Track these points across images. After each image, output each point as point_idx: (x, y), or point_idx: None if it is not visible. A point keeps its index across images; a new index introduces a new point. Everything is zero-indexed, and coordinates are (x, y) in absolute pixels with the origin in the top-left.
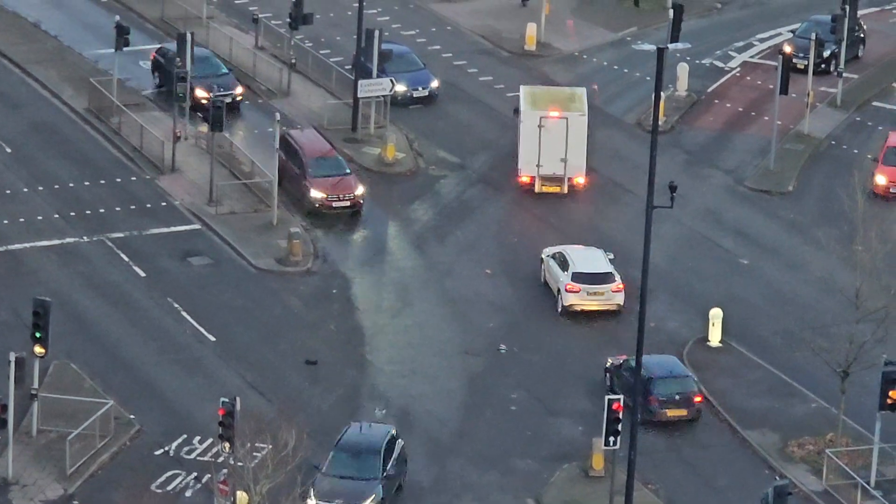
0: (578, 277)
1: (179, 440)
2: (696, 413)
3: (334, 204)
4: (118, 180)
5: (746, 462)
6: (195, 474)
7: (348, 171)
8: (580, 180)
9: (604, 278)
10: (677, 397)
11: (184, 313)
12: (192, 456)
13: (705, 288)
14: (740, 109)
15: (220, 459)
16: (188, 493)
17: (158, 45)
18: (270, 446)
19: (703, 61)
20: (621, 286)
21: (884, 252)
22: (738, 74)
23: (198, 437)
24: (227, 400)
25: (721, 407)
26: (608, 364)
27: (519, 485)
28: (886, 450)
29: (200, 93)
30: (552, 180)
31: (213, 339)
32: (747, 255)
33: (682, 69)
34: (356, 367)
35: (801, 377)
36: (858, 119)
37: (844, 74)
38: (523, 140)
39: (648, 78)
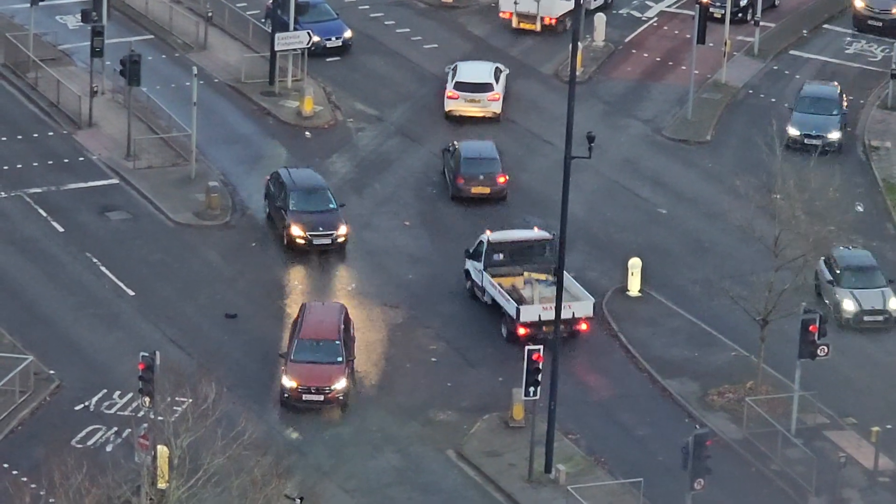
0: (460, 86)
1: (99, 395)
2: (498, 192)
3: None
4: (35, 136)
5: (667, 411)
6: (115, 429)
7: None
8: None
9: (483, 88)
10: (481, 177)
11: (102, 268)
12: (113, 411)
13: (624, 238)
14: (658, 59)
15: (141, 414)
16: (109, 448)
17: None
18: (190, 400)
19: (620, 11)
20: (497, 95)
21: (801, 200)
22: (655, 24)
23: (118, 392)
24: (146, 354)
25: (641, 356)
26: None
27: (440, 436)
28: (806, 397)
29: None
30: (527, 17)
31: (132, 293)
32: (666, 205)
33: (599, 19)
34: (275, 320)
35: (721, 326)
36: (776, 68)
37: (761, 23)
38: None
39: (566, 29)
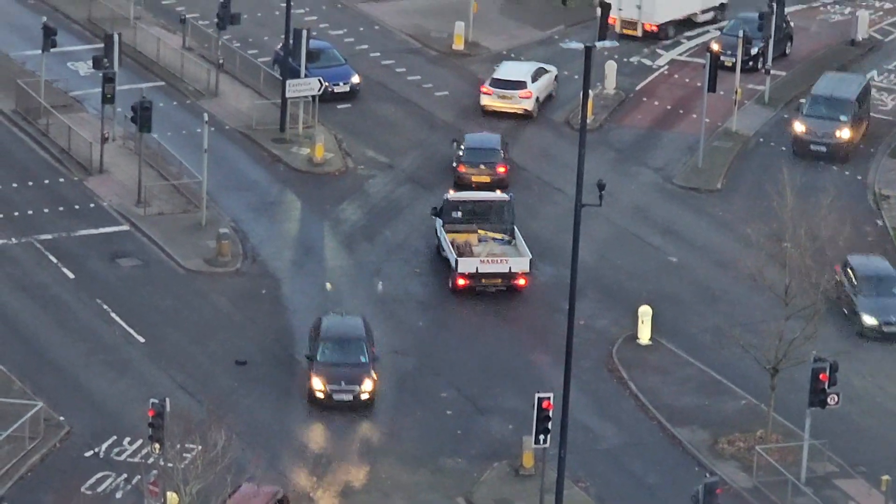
0: (495, 83)
1: (109, 441)
2: (498, 181)
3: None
4: (46, 182)
5: (677, 459)
6: (125, 475)
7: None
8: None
9: (516, 85)
10: (482, 166)
11: (113, 314)
12: (123, 457)
13: (635, 285)
14: (668, 107)
15: (150, 460)
16: (119, 495)
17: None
18: (200, 447)
19: (631, 59)
20: (529, 93)
21: (812, 249)
22: (666, 72)
23: (128, 439)
24: (156, 401)
25: (651, 404)
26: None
27: (449, 484)
28: (816, 446)
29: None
30: (629, 24)
31: (142, 340)
32: (676, 253)
33: (611, 67)
34: (285, 368)
35: (731, 374)
36: (786, 116)
37: (772, 72)
38: None
39: (577, 76)
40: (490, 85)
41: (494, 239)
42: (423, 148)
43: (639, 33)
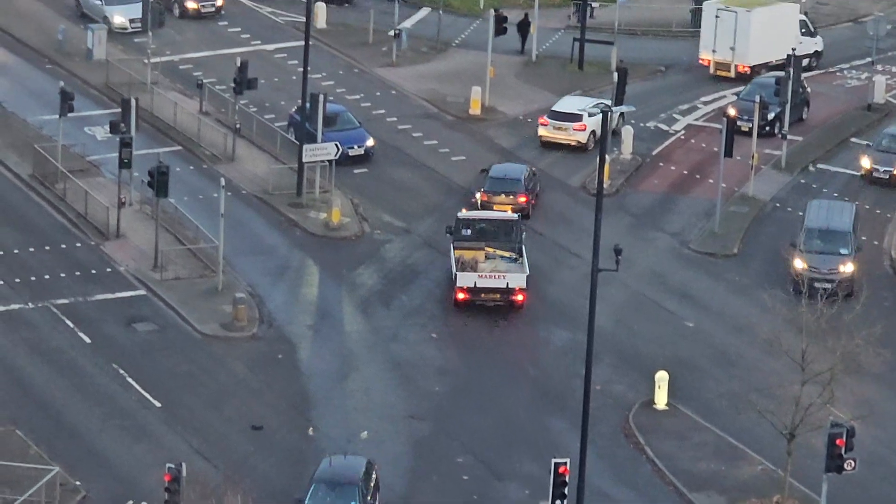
0: (552, 114)
1: None
2: (519, 210)
3: None
4: (63, 246)
5: None
6: None
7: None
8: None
9: (571, 118)
10: (503, 195)
11: (129, 379)
12: None
13: (651, 350)
14: (685, 172)
15: None
16: None
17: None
18: None
19: (647, 124)
20: (583, 126)
21: (829, 314)
22: (682, 137)
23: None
24: (172, 466)
25: (668, 470)
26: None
27: None
28: None
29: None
30: (723, 65)
31: (158, 404)
32: (693, 318)
33: (627, 132)
34: (302, 433)
35: (748, 439)
36: (803, 181)
37: (789, 137)
38: (704, 27)
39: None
40: (548, 116)
41: (502, 257)
42: (439, 212)
43: (732, 75)
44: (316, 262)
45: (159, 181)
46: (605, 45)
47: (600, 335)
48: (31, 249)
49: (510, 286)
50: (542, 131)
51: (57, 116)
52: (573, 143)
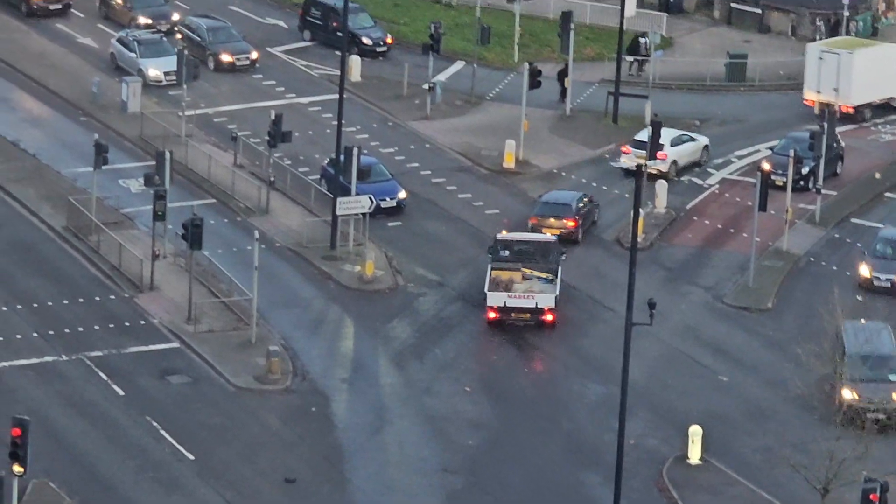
0: (636, 144)
1: None
2: (567, 234)
3: None
4: (97, 298)
5: None
6: None
7: None
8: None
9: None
10: (552, 219)
11: (162, 432)
12: None
13: (685, 405)
14: (719, 226)
15: None
16: None
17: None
18: None
19: (681, 178)
20: (664, 155)
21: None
22: (716, 191)
23: None
24: None
25: None
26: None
27: None
28: None
29: None
30: (826, 106)
31: (191, 457)
32: (727, 372)
33: (661, 186)
34: (335, 486)
35: (781, 494)
36: (837, 236)
37: (823, 191)
38: (808, 69)
39: (627, 195)
40: (630, 145)
41: (539, 278)
42: (473, 266)
43: (837, 113)
44: (350, 315)
45: (193, 234)
46: (639, 99)
47: (634, 389)
48: (65, 302)
49: (539, 306)
50: (624, 159)
51: (91, 169)
52: (655, 171)
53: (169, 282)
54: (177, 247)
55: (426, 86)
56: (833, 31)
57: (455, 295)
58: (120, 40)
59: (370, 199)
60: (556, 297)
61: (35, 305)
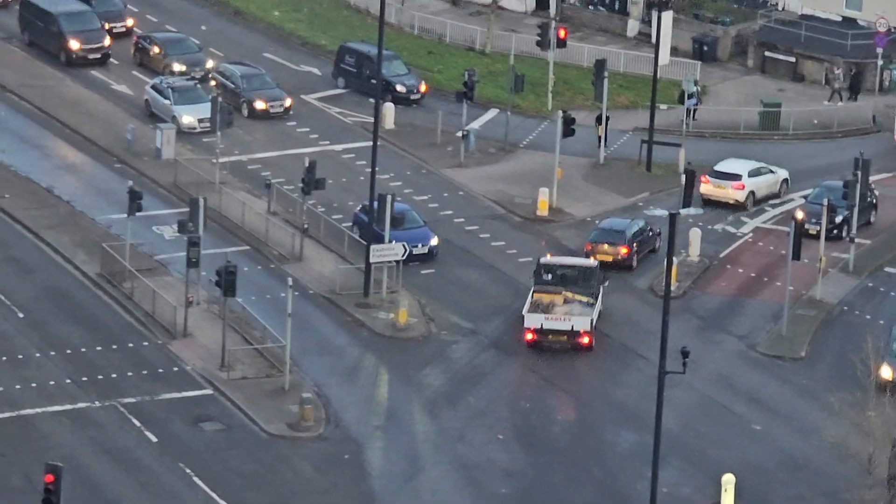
0: (714, 174)
1: None
2: (623, 258)
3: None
4: (130, 345)
5: None
6: None
7: None
8: None
9: (730, 177)
10: (606, 245)
11: (195, 479)
12: None
13: (718, 453)
14: (753, 275)
15: None
16: None
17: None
18: None
19: (715, 226)
20: (742, 185)
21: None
22: (750, 240)
23: None
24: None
25: None
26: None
27: None
28: None
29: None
30: None
31: None
32: (760, 421)
33: (695, 234)
34: None
35: None
36: (871, 285)
37: (857, 240)
38: None
39: (660, 243)
40: (709, 175)
41: (580, 302)
42: (506, 314)
43: None
44: (383, 362)
45: (227, 281)
46: (672, 147)
47: (667, 437)
48: (99, 348)
49: (575, 328)
50: (703, 188)
51: (125, 215)
52: (731, 202)
53: (202, 328)
54: (210, 294)
55: (460, 133)
56: (854, 80)
57: (488, 342)
58: (154, 87)
59: (404, 246)
60: (592, 321)
61: (69, 352)
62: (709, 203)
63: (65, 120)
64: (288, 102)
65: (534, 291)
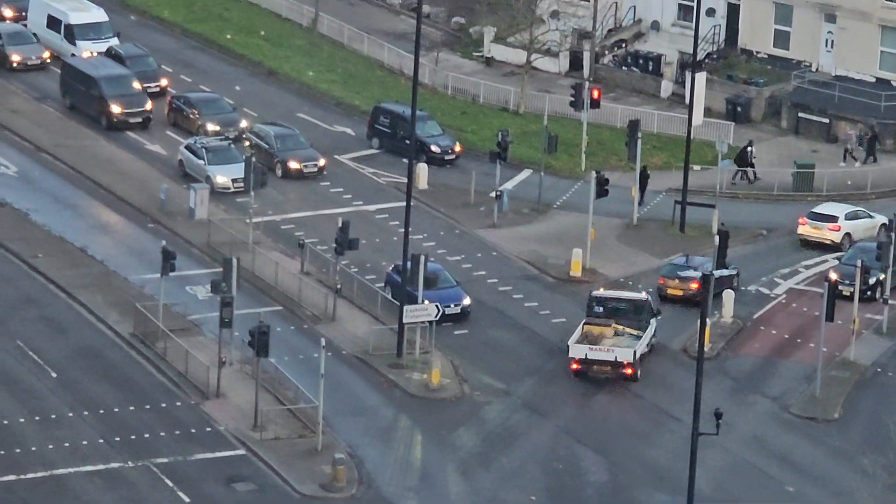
0: (812, 216)
1: None
2: (692, 296)
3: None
4: (163, 405)
5: None
6: None
7: None
8: None
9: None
10: (677, 280)
11: None
12: None
13: None
14: (786, 336)
15: None
16: None
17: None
18: None
19: (748, 288)
20: (837, 227)
21: None
22: (783, 301)
23: None
24: None
25: None
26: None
27: None
28: None
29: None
30: None
31: None
32: (793, 483)
33: (728, 296)
34: None
35: None
36: None
37: (890, 301)
38: None
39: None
40: (807, 217)
41: (630, 334)
42: (539, 375)
43: None
44: (416, 423)
45: (260, 341)
46: (706, 209)
47: (700, 499)
48: (132, 408)
49: (618, 359)
50: (800, 229)
51: (159, 275)
52: (827, 242)
53: (235, 389)
54: (243, 354)
55: (493, 194)
56: (871, 142)
57: (521, 403)
58: (188, 147)
59: (437, 307)
60: (635, 352)
61: (101, 412)
62: (806, 244)
63: (98, 179)
64: (322, 162)
65: (584, 323)
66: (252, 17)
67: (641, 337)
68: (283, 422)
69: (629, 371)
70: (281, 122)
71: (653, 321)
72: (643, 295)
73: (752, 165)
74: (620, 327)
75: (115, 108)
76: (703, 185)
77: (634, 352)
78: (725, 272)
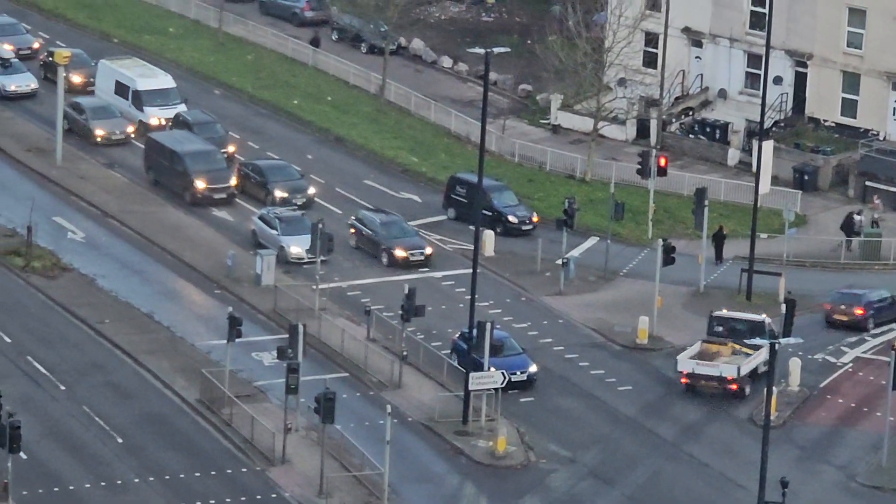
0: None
1: None
2: (854, 322)
3: None
4: (229, 471)
5: None
6: None
7: None
8: None
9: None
10: (843, 306)
11: None
12: None
13: None
14: (852, 405)
15: None
16: None
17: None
18: None
19: (815, 356)
20: None
21: None
22: (850, 370)
23: None
24: None
25: None
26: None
27: None
28: None
29: None
30: None
31: None
32: None
33: (795, 364)
34: None
35: None
36: None
37: None
38: None
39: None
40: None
41: (746, 354)
42: (605, 443)
43: None
44: (482, 490)
45: (326, 407)
46: (773, 277)
47: None
48: (197, 474)
49: (723, 375)
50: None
51: (225, 342)
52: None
53: (301, 455)
54: (309, 420)
55: (560, 261)
56: None
57: (586, 471)
58: (261, 217)
59: (503, 374)
60: (739, 368)
61: (167, 477)
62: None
63: (165, 245)
64: (428, 251)
65: (702, 341)
66: (319, 83)
67: (751, 355)
68: (348, 489)
69: (734, 387)
70: (385, 210)
71: (766, 343)
72: (763, 316)
73: (858, 234)
74: (737, 346)
75: (200, 184)
76: (770, 253)
77: (738, 368)
78: (888, 300)
